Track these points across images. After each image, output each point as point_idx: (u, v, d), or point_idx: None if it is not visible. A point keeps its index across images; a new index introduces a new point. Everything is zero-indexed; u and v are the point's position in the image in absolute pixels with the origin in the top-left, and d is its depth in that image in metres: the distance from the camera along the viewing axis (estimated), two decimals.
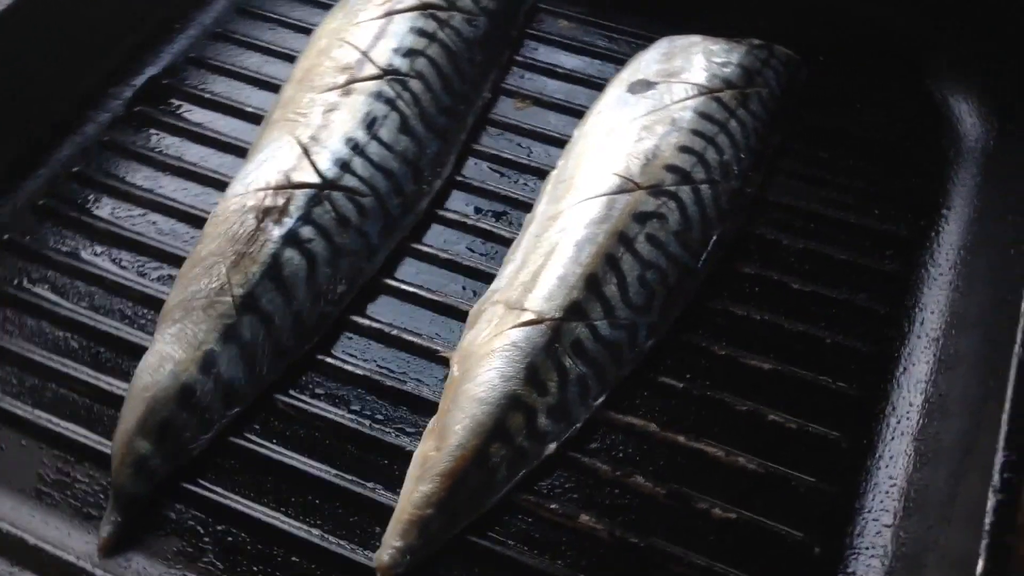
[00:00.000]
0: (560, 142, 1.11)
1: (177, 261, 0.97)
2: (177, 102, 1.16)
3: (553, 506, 0.82)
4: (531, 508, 0.83)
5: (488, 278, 0.97)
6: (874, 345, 0.94)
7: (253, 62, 1.21)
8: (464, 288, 0.99)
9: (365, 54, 1.09)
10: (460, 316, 0.95)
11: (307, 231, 0.94)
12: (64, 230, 1.02)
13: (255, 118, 1.13)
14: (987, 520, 0.68)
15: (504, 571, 0.79)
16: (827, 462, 0.86)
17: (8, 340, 0.92)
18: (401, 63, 1.09)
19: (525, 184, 1.09)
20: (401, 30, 1.12)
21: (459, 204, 1.07)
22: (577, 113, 1.14)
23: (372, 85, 1.06)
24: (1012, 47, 1.12)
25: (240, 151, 1.09)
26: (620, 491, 0.84)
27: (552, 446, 0.85)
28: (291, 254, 0.93)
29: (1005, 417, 0.73)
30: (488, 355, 0.87)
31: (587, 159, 1.03)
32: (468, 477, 0.81)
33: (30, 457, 0.84)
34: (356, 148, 1.01)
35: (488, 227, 1.04)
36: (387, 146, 1.03)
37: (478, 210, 1.06)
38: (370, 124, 1.03)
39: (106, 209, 1.04)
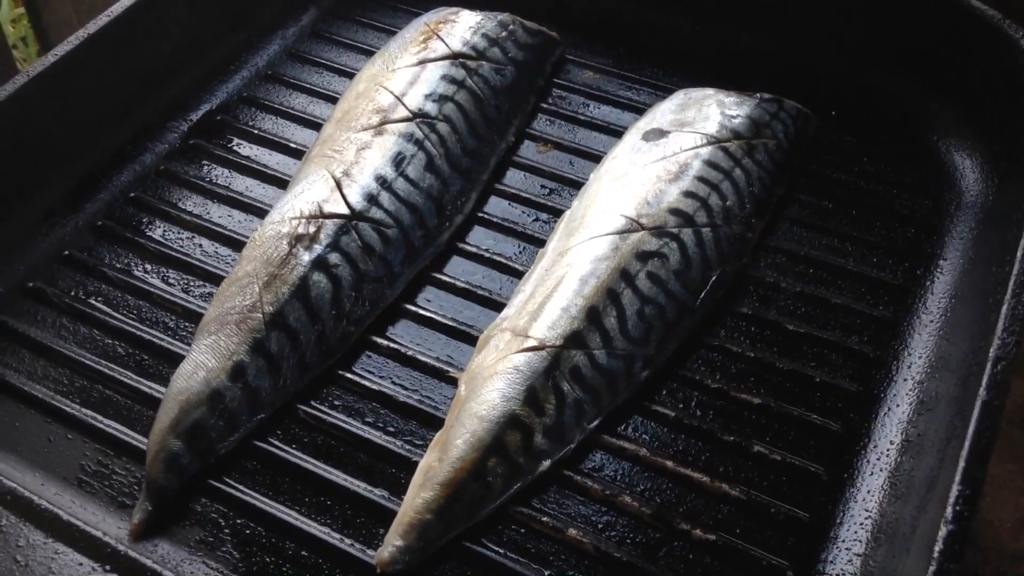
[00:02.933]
0: (578, 184, 1.18)
1: (219, 280, 1.06)
2: (229, 136, 1.27)
3: (544, 519, 0.89)
4: (523, 520, 0.89)
5: (500, 307, 1.05)
6: (861, 385, 1.00)
7: (300, 102, 1.32)
8: (477, 315, 1.06)
9: (399, 98, 1.18)
10: (471, 340, 1.02)
11: (334, 257, 1.03)
12: (119, 248, 1.12)
13: (298, 153, 1.23)
14: (936, 548, 0.73)
15: None
16: (807, 493, 0.91)
17: (63, 345, 1.02)
18: (431, 107, 1.18)
19: (543, 222, 1.17)
20: (433, 77, 1.21)
21: (479, 238, 1.15)
22: (596, 158, 1.22)
23: (403, 127, 1.15)
24: (1017, 108, 1.17)
25: (282, 183, 1.19)
26: (608, 509, 0.90)
27: (546, 463, 0.91)
28: (319, 277, 1.01)
29: (963, 454, 0.78)
30: (492, 377, 0.94)
31: (599, 200, 1.11)
32: (466, 487, 0.88)
33: (75, 449, 0.93)
34: (384, 184, 1.10)
35: (504, 260, 1.12)
36: (413, 183, 1.11)
37: (497, 244, 1.14)
38: (398, 162, 1.12)
39: (158, 231, 1.14)
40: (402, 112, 1.17)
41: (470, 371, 0.97)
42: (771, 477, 0.93)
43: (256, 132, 1.27)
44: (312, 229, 1.04)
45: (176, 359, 0.98)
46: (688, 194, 1.09)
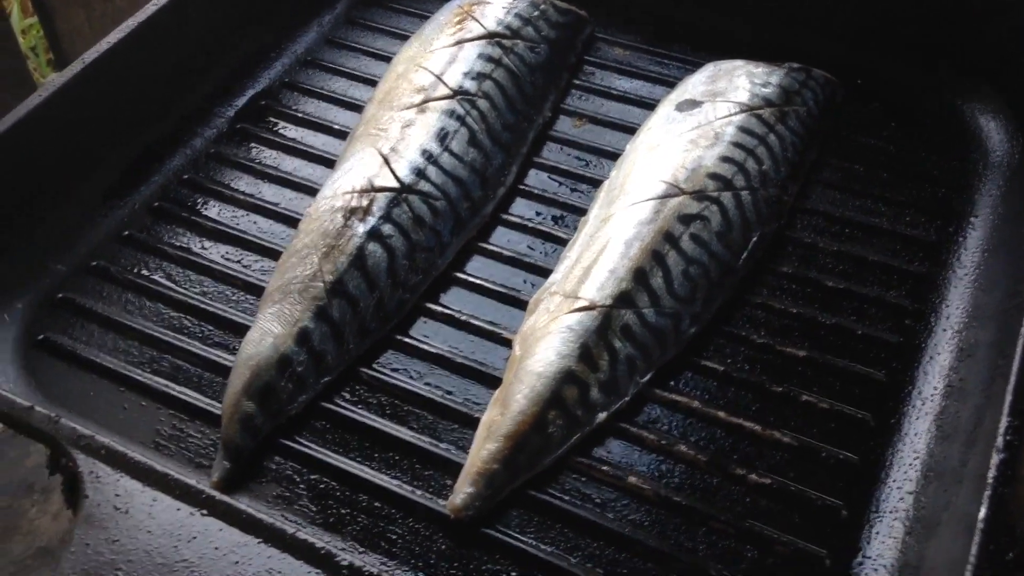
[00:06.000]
0: (613, 155, 1.22)
1: (275, 255, 1.10)
2: (274, 120, 1.31)
3: (604, 468, 0.93)
4: (584, 469, 0.93)
5: (546, 273, 1.08)
6: (902, 336, 1.03)
7: (340, 86, 1.36)
8: (525, 281, 1.10)
9: (439, 77, 1.22)
10: (521, 305, 1.06)
11: (387, 228, 1.07)
12: (177, 228, 1.16)
13: (342, 134, 1.27)
14: (990, 475, 0.76)
15: (559, 520, 0.89)
16: (856, 438, 0.95)
17: (131, 319, 1.06)
18: (470, 85, 1.22)
19: (581, 192, 1.20)
20: (470, 56, 1.25)
21: (522, 209, 1.18)
22: (630, 130, 1.25)
23: (444, 104, 1.19)
24: None
25: (329, 162, 1.23)
26: (665, 457, 0.94)
27: (602, 415, 0.95)
28: (374, 247, 1.05)
29: (1010, 388, 0.82)
30: (546, 336, 0.98)
31: (637, 169, 1.15)
32: (528, 439, 0.91)
33: (150, 416, 0.97)
34: (430, 158, 1.13)
35: (547, 229, 1.16)
36: (457, 157, 1.15)
37: (538, 214, 1.18)
38: (443, 138, 1.16)
39: (213, 211, 1.18)
40: (443, 90, 1.21)
41: (523, 333, 1.01)
42: (820, 424, 0.96)
43: (300, 115, 1.31)
44: (365, 202, 1.08)
45: (240, 329, 1.02)
46: (725, 159, 1.12)
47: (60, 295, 1.08)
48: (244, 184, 1.22)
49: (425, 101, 1.20)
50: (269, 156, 1.26)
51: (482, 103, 1.21)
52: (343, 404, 0.98)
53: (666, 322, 1.01)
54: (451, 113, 1.18)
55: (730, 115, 1.18)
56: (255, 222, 1.17)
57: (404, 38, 1.38)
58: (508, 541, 0.88)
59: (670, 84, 1.31)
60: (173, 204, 1.19)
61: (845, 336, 1.04)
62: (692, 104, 1.21)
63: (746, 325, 1.05)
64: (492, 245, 1.14)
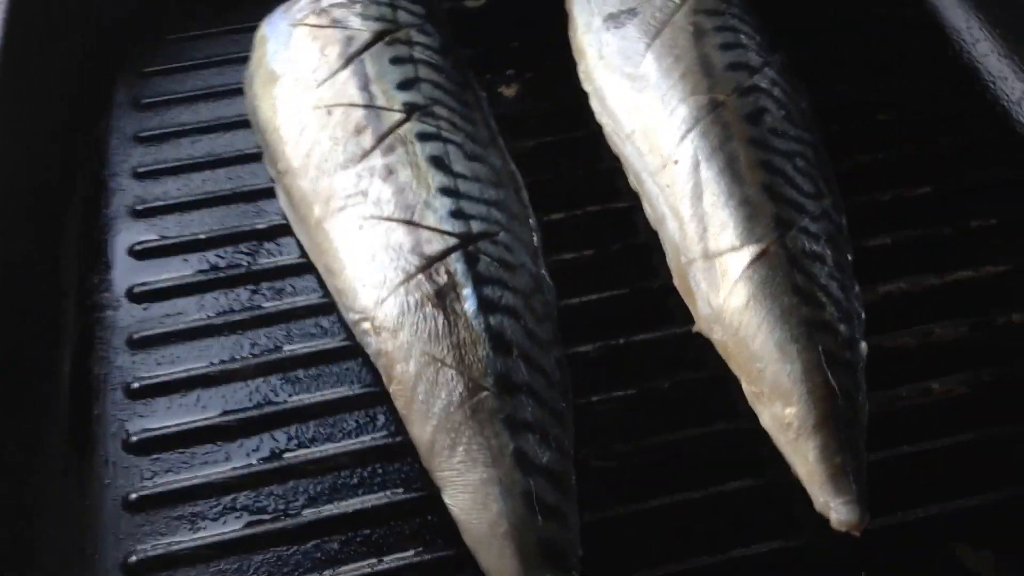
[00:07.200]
0: (578, 106, 1.05)
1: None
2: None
3: (934, 386, 0.84)
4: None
5: (649, 252, 0.93)
6: None
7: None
8: (639, 272, 0.93)
9: (371, 105, 0.96)
10: (658, 296, 0.89)
11: (489, 291, 0.83)
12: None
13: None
14: None
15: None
16: None
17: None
18: (412, 97, 0.97)
19: (588, 157, 1.03)
20: (382, 67, 0.99)
21: (556, 206, 0.99)
22: (566, 74, 1.08)
23: (407, 130, 0.94)
24: None
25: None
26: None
27: (864, 345, 0.83)
28: (498, 319, 0.81)
29: None
30: (749, 303, 0.83)
31: (638, 101, 1.00)
32: (837, 407, 0.77)
33: None
34: (453, 194, 0.90)
35: (595, 210, 0.99)
36: (471, 178, 0.92)
37: (576, 205, 0.99)
38: (443, 167, 0.92)
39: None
40: (391, 117, 0.95)
41: (707, 316, 0.85)
42: None
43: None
44: (442, 278, 0.83)
45: (400, 508, 0.77)
46: (725, 47, 1.01)
47: None
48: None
49: (382, 137, 0.94)
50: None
51: (439, 110, 0.97)
52: (610, 511, 0.76)
53: (825, 225, 0.90)
54: (424, 136, 0.94)
55: (679, 6, 1.05)
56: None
57: (220, 95, 1.10)
58: None
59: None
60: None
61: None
62: (627, 13, 1.07)
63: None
64: (564, 255, 0.94)
